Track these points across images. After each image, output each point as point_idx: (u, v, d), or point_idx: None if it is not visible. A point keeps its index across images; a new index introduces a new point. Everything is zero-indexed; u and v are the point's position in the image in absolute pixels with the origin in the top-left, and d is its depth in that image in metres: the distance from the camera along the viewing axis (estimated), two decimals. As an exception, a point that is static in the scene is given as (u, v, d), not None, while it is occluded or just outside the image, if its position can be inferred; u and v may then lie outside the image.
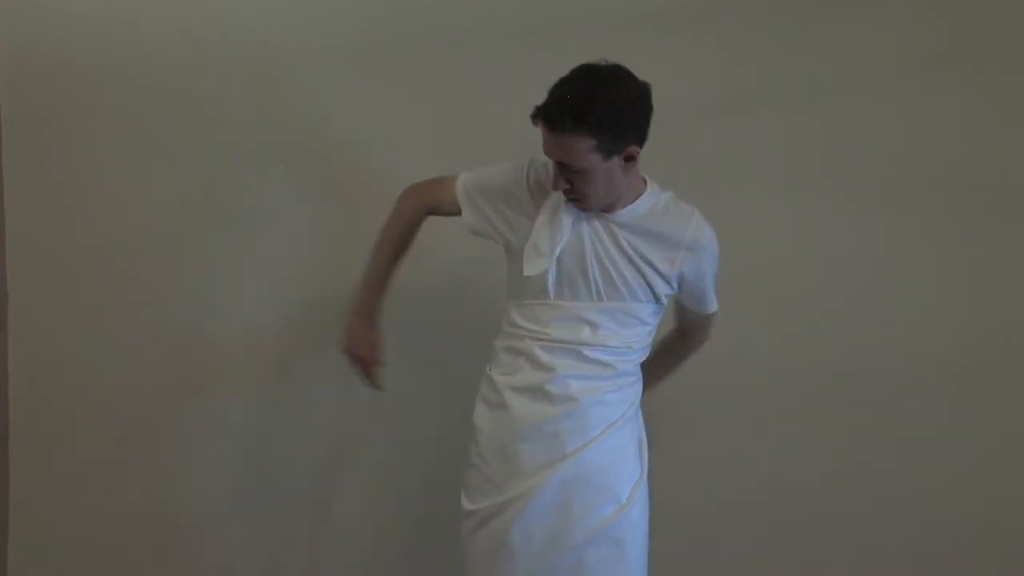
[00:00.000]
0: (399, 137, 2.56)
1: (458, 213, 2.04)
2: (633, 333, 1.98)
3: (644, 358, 2.05)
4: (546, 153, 1.86)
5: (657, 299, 1.99)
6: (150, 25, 2.53)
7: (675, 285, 1.99)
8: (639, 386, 2.05)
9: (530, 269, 1.92)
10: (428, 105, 2.55)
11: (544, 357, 1.94)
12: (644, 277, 1.95)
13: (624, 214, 1.94)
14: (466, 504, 2.01)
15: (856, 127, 2.55)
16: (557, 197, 1.93)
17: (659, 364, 2.18)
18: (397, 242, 2.10)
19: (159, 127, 2.57)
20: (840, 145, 2.55)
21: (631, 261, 1.94)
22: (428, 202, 2.08)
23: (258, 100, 2.56)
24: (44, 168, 2.58)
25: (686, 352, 2.22)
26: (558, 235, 1.91)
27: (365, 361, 2.08)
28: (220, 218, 2.60)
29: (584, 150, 1.80)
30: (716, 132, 2.53)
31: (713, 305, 2.10)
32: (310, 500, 2.66)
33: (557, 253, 1.91)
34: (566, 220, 1.91)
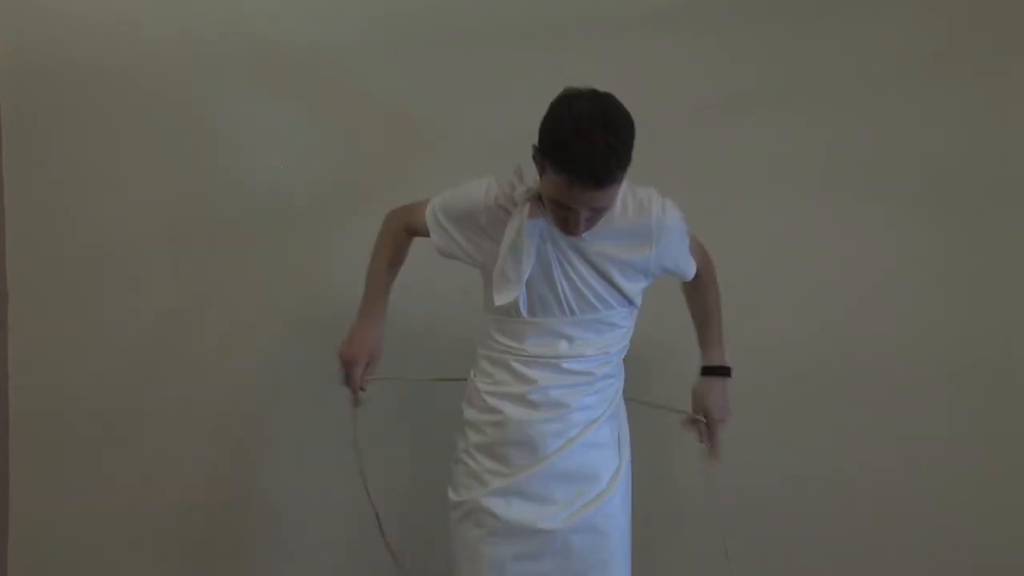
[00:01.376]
0: (399, 137, 2.56)
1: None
2: (608, 339, 2.00)
3: (624, 355, 2.06)
4: (574, 204, 1.80)
5: (630, 302, 2.00)
6: (150, 25, 2.54)
7: (654, 270, 1.98)
8: (618, 382, 2.07)
9: (501, 299, 1.93)
10: (428, 105, 2.55)
11: (524, 370, 1.97)
12: (615, 285, 1.95)
13: None
14: (452, 496, 2.05)
15: (856, 127, 2.55)
16: (518, 220, 1.90)
17: (708, 322, 2.17)
18: (387, 258, 2.12)
19: (159, 127, 2.57)
20: (840, 145, 2.55)
21: (599, 272, 1.94)
22: (407, 224, 2.10)
23: (258, 100, 2.56)
24: (44, 168, 2.58)
25: (704, 295, 2.15)
26: (524, 261, 1.91)
27: (353, 366, 2.10)
28: (220, 218, 2.60)
29: (618, 188, 1.81)
30: (716, 132, 2.54)
31: (692, 266, 2.05)
32: (310, 499, 2.66)
33: (525, 279, 1.92)
34: (529, 244, 1.91)
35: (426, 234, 2.06)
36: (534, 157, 1.84)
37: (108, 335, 2.60)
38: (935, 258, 2.57)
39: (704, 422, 2.15)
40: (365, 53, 2.55)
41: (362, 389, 2.13)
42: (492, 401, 1.99)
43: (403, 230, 2.11)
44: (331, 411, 2.61)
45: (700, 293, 2.16)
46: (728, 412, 2.18)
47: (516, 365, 1.97)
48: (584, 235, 1.90)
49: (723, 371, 2.19)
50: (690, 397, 2.18)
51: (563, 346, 1.96)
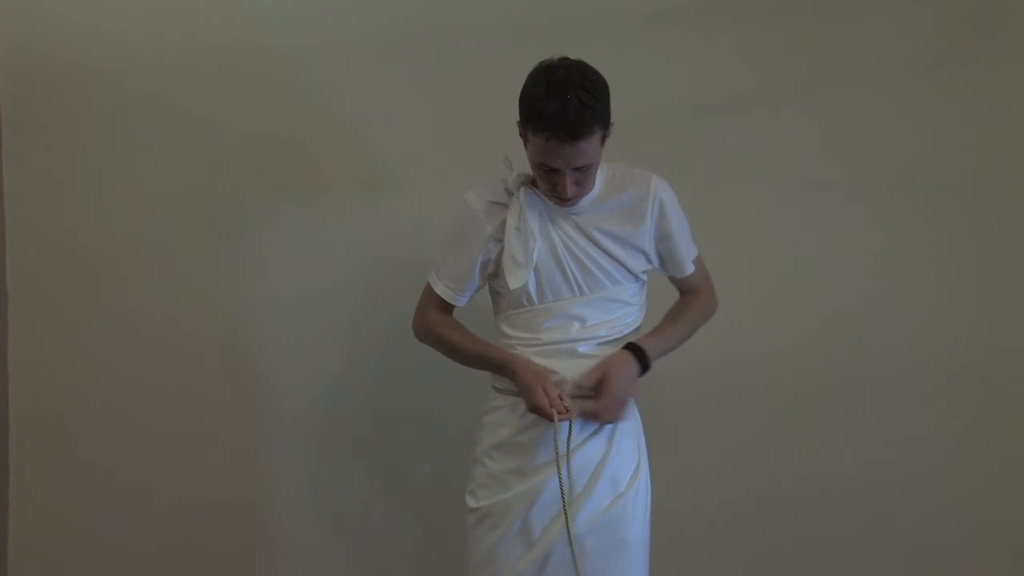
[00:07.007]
0: (398, 137, 2.56)
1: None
2: (619, 317, 2.00)
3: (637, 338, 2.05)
4: (556, 165, 1.85)
5: (636, 277, 2.01)
6: (150, 25, 2.54)
7: (650, 251, 1.99)
8: None
9: (514, 282, 1.94)
10: (427, 105, 2.56)
11: (541, 362, 1.96)
12: (619, 260, 1.97)
13: (584, 203, 1.96)
14: (471, 502, 2.03)
15: (856, 127, 2.55)
16: (518, 204, 1.94)
17: (672, 324, 2.07)
18: (455, 332, 2.04)
19: (159, 127, 2.57)
20: (840, 145, 2.56)
21: (601, 247, 1.96)
22: (435, 313, 2.06)
23: (258, 101, 2.56)
24: (44, 168, 2.58)
25: (694, 313, 2.09)
26: (530, 242, 1.93)
27: (544, 406, 1.90)
28: (220, 218, 2.59)
29: (597, 144, 1.84)
30: (716, 132, 2.54)
31: (691, 259, 2.05)
32: (313, 499, 2.66)
33: (535, 259, 1.94)
34: (532, 226, 1.94)
35: (451, 302, 2.05)
36: (521, 134, 1.89)
37: (108, 335, 2.60)
38: (935, 257, 2.58)
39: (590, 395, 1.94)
40: (365, 53, 2.55)
41: (565, 409, 1.89)
42: (510, 398, 1.99)
43: (437, 321, 2.05)
44: (336, 413, 2.62)
45: (688, 304, 2.11)
46: (627, 393, 1.95)
47: (532, 357, 1.96)
48: (581, 209, 1.94)
49: (642, 356, 1.97)
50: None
51: (576, 328, 1.97)
